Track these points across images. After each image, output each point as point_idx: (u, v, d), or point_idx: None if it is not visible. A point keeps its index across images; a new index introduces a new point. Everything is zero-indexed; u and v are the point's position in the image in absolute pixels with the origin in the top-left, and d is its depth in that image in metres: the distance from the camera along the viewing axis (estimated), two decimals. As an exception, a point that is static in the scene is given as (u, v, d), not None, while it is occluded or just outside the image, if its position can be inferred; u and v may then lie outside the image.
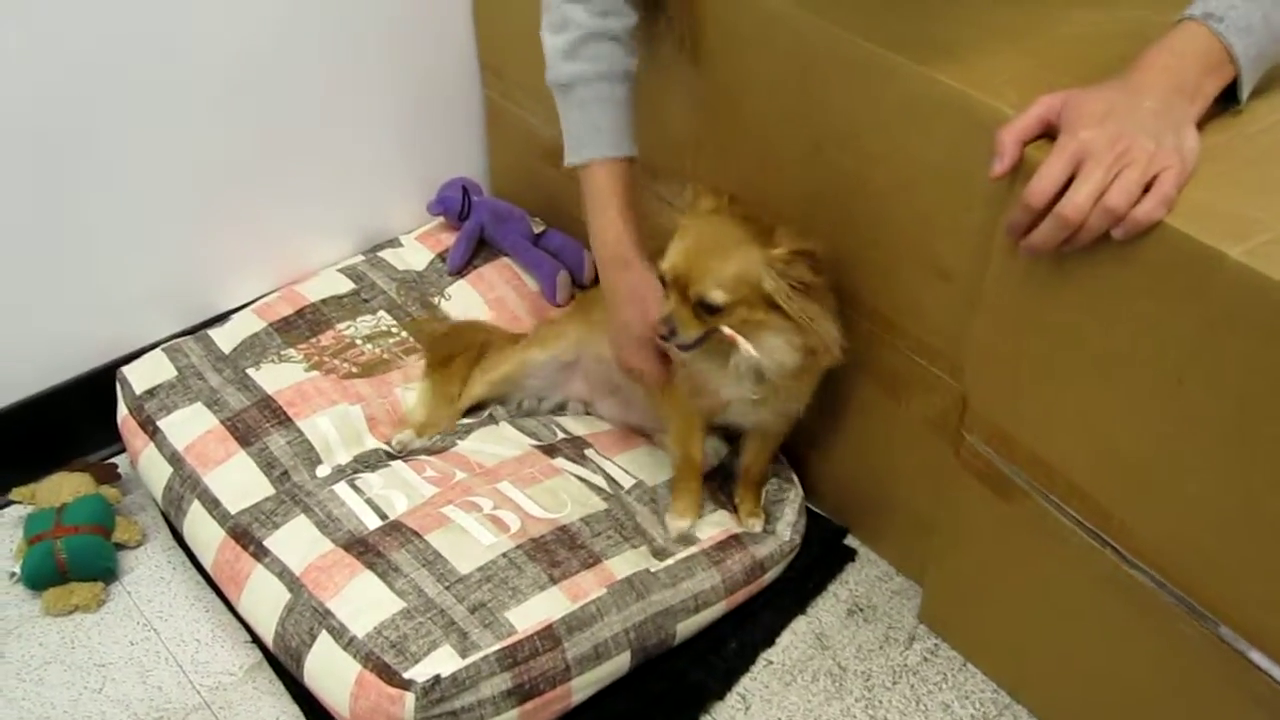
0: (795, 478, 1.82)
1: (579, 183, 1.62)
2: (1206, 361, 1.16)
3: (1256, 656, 1.25)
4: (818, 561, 1.80)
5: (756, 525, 1.74)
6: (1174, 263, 1.15)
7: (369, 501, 1.69)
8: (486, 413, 1.91)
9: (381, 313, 2.04)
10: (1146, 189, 1.14)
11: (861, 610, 1.74)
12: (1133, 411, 1.27)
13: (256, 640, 1.65)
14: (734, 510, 1.77)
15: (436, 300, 2.09)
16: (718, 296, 1.45)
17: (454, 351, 1.94)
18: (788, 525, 1.75)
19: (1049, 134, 1.22)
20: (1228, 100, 1.25)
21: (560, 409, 1.93)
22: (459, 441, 1.85)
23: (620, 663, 1.56)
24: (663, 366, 1.64)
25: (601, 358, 1.80)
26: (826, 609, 1.74)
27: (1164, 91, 1.19)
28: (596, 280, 2.13)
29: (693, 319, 1.48)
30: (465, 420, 1.89)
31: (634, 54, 1.59)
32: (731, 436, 1.80)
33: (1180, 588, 1.31)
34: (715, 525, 1.73)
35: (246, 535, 1.64)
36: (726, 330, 1.48)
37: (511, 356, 1.89)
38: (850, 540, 1.85)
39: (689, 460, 1.72)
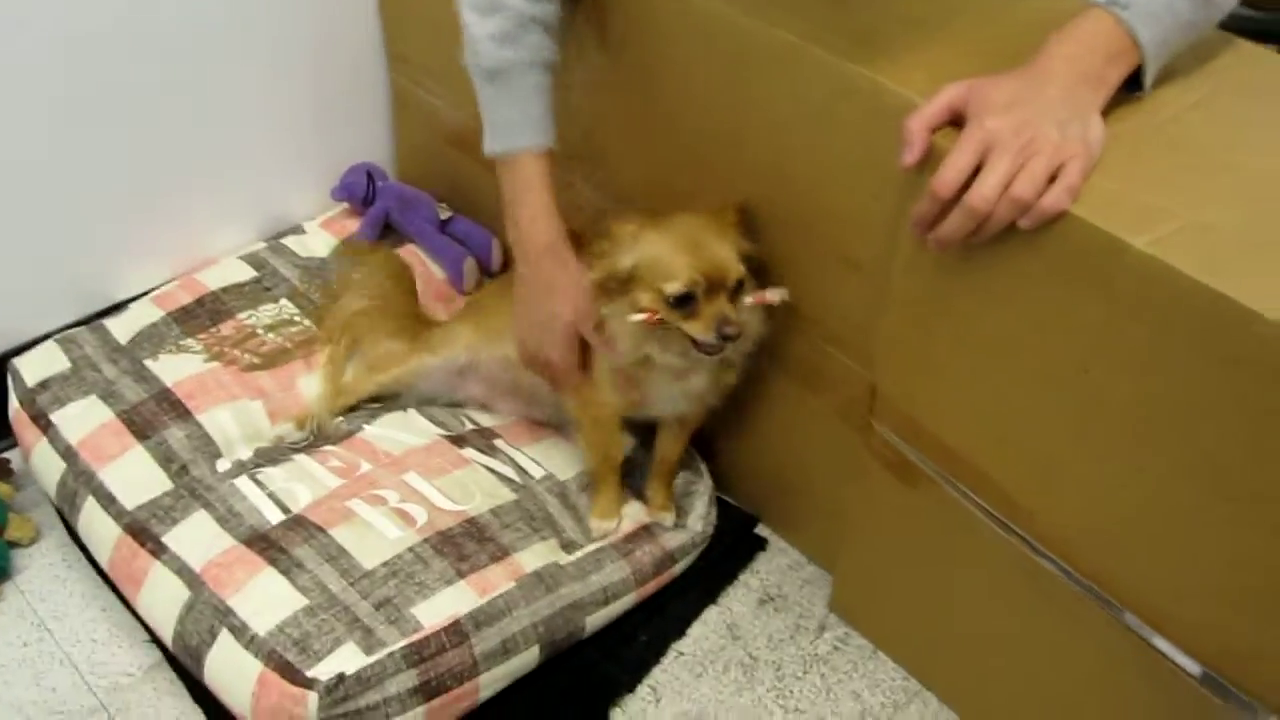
0: (705, 469, 1.81)
1: (499, 171, 1.55)
2: (1112, 350, 1.17)
3: (1160, 643, 1.26)
4: (728, 551, 1.79)
5: (669, 519, 1.72)
6: (1079, 252, 1.15)
7: (271, 495, 1.65)
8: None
9: (284, 301, 1.99)
10: (1052, 178, 1.14)
11: (772, 600, 1.74)
12: (1039, 400, 1.27)
13: (155, 640, 1.61)
14: (644, 502, 1.76)
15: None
16: (742, 271, 1.48)
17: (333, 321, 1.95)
18: (699, 518, 1.74)
19: (956, 122, 1.22)
20: (1131, 87, 1.25)
21: (457, 407, 1.90)
22: (365, 426, 1.82)
23: (529, 657, 1.54)
24: (579, 363, 1.60)
25: (503, 360, 1.77)
26: (737, 599, 1.74)
27: (1068, 79, 1.20)
28: (504, 267, 2.12)
29: (732, 307, 1.47)
30: (372, 404, 1.86)
31: (558, 44, 1.54)
32: (638, 430, 1.78)
33: (1086, 576, 1.32)
34: (626, 518, 1.72)
35: (144, 532, 1.60)
36: (751, 299, 1.50)
37: (401, 359, 1.85)
38: (761, 529, 1.85)
39: (608, 461, 1.70)
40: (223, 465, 1.71)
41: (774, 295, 1.51)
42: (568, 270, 1.54)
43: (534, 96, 1.51)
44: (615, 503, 1.71)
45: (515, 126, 1.53)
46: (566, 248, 1.55)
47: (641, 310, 1.48)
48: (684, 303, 1.46)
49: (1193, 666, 1.24)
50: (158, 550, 1.58)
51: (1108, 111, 1.22)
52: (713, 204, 1.52)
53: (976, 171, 1.16)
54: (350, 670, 1.41)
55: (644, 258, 1.48)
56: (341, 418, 1.82)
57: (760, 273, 1.53)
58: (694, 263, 1.45)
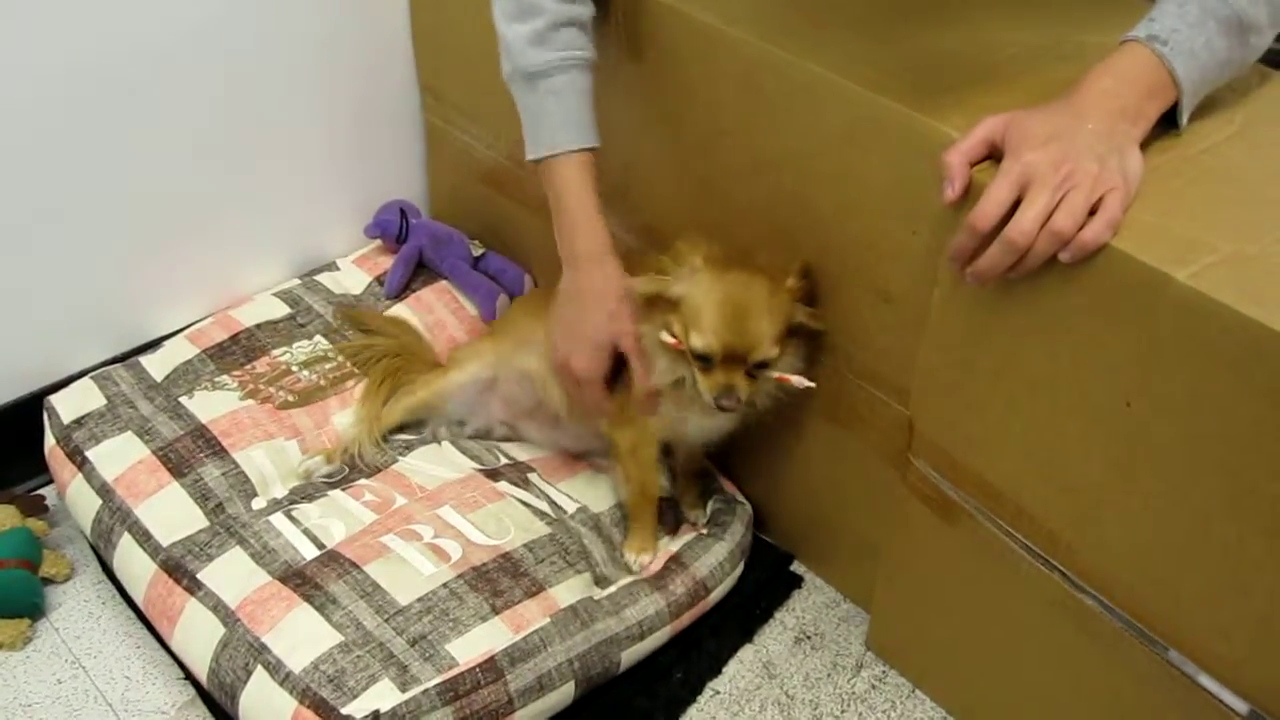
0: (742, 496, 1.81)
1: (542, 179, 1.54)
2: (1154, 384, 1.16)
3: (1206, 681, 1.24)
4: (764, 589, 1.78)
5: (700, 517, 1.75)
6: (1121, 286, 1.14)
7: (306, 531, 1.65)
8: (428, 430, 1.89)
9: (318, 337, 2.00)
10: (1092, 212, 1.14)
11: (809, 638, 1.73)
12: (1080, 435, 1.26)
13: (190, 677, 1.61)
14: (672, 522, 1.77)
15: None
16: (773, 352, 1.48)
17: (370, 353, 1.96)
18: (734, 536, 1.73)
19: (994, 156, 1.22)
20: (1167, 123, 1.25)
21: (485, 435, 1.90)
22: (399, 458, 1.82)
23: (564, 693, 1.53)
24: (606, 380, 1.58)
25: (522, 374, 1.78)
26: (773, 637, 1.73)
27: (1106, 114, 1.19)
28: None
29: (746, 380, 1.48)
30: (406, 436, 1.87)
31: (594, 44, 1.53)
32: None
33: (1129, 612, 1.30)
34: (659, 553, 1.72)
35: (179, 568, 1.60)
36: (777, 376, 1.52)
37: (429, 382, 1.86)
38: (796, 567, 1.83)
39: (646, 492, 1.69)
40: (258, 504, 1.72)
41: (799, 382, 1.53)
42: (610, 278, 1.54)
43: (573, 97, 1.51)
44: (651, 537, 1.71)
45: (557, 128, 1.52)
46: (611, 256, 1.54)
47: (673, 336, 1.50)
48: (702, 358, 1.48)
49: (1240, 705, 1.22)
50: (193, 587, 1.58)
51: (1144, 144, 1.21)
52: (777, 260, 1.51)
53: (1015, 205, 1.16)
54: (385, 707, 1.41)
55: (690, 296, 1.49)
56: (376, 448, 1.83)
57: (812, 337, 1.55)
58: (723, 331, 1.46)
